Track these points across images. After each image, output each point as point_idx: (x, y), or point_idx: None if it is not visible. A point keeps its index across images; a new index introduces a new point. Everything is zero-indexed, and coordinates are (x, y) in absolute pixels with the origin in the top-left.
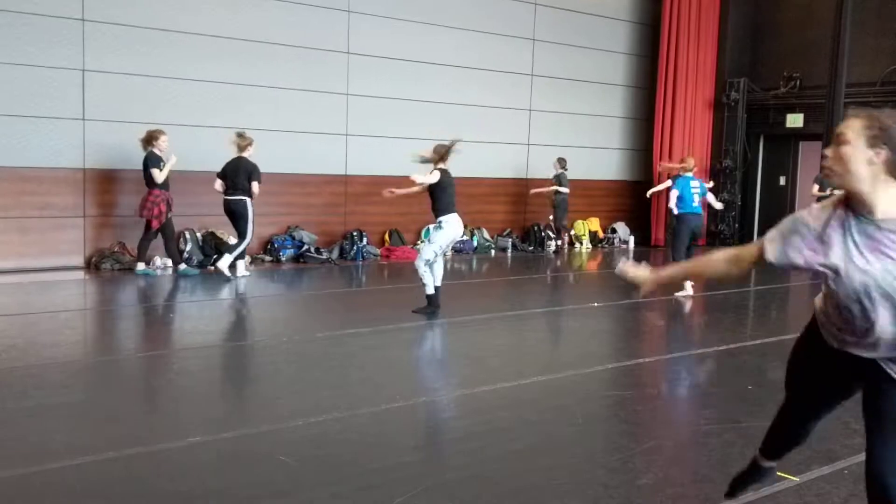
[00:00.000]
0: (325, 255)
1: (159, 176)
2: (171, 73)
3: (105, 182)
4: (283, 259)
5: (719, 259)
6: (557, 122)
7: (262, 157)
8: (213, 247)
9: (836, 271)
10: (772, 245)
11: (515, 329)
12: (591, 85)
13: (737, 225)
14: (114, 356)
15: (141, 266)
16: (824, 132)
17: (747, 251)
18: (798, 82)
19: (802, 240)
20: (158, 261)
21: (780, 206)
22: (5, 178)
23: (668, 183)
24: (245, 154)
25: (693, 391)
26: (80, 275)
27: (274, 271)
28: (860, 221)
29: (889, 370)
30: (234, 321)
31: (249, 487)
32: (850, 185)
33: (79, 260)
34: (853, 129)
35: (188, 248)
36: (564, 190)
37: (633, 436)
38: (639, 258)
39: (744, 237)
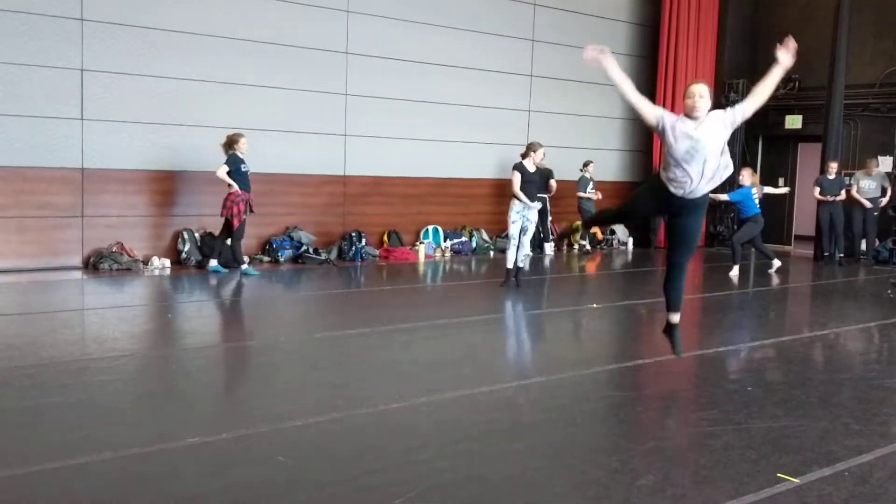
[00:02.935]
0: (323, 256)
1: (220, 171)
2: (169, 72)
3: (103, 182)
4: (282, 260)
5: (633, 91)
6: (557, 122)
7: (260, 157)
8: (211, 247)
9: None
10: (657, 110)
11: (514, 330)
12: (590, 85)
13: (735, 226)
14: (111, 356)
15: (244, 265)
16: (823, 133)
17: (645, 102)
18: (797, 84)
19: (665, 120)
20: (157, 261)
21: (778, 207)
22: (4, 178)
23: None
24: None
25: (693, 392)
26: (79, 275)
27: (272, 272)
28: (686, 124)
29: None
30: (233, 321)
31: (248, 488)
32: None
33: (77, 260)
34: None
35: (186, 248)
36: (580, 194)
37: (632, 437)
38: (640, 260)
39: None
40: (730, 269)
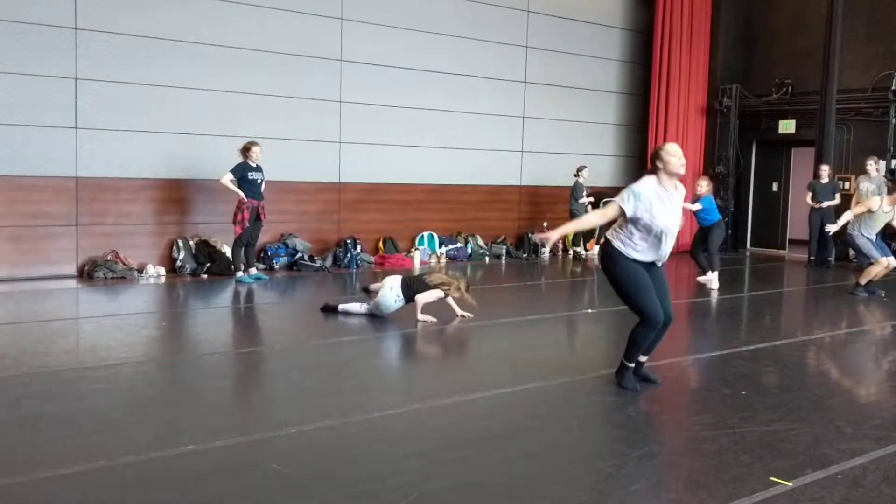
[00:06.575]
0: (318, 263)
1: (223, 179)
2: (163, 81)
3: (98, 190)
4: (277, 267)
5: (593, 215)
6: (551, 129)
7: None
8: (206, 255)
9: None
10: (628, 205)
11: (509, 336)
12: (584, 92)
13: (730, 231)
14: (105, 365)
15: (252, 271)
16: (816, 138)
17: (610, 210)
18: (790, 89)
19: (641, 202)
20: (151, 269)
21: (772, 211)
22: None
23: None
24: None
25: (687, 396)
26: (73, 283)
27: (268, 279)
28: (665, 191)
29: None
30: (227, 330)
31: (242, 496)
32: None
33: (71, 269)
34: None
35: (181, 256)
36: (581, 200)
37: (626, 441)
38: None
39: (737, 243)
40: (702, 274)
